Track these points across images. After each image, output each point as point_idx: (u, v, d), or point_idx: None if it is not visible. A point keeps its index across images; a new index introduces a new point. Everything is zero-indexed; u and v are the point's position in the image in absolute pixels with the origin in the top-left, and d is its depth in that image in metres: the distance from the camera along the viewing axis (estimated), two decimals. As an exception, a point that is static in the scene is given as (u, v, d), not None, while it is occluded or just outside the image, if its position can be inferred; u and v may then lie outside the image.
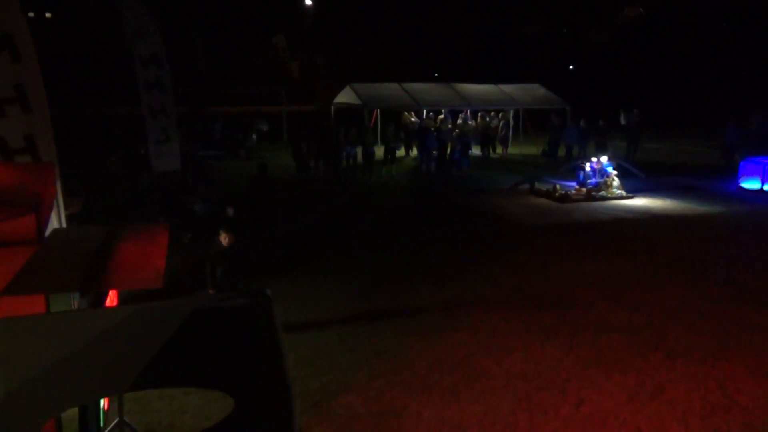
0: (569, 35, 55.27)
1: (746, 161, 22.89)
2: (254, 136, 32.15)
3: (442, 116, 31.69)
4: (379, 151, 26.47)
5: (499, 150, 32.04)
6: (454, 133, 27.87)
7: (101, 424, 5.22)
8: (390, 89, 32.50)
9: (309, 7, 48.99)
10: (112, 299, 6.26)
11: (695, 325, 9.75)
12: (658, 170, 25.70)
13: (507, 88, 34.44)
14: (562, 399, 7.54)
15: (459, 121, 31.02)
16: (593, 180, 20.81)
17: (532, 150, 31.67)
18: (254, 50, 48.19)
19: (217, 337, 3.29)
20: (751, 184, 22.24)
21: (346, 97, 32.63)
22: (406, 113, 31.46)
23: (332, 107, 33.81)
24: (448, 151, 26.82)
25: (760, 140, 28.18)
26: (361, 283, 11.79)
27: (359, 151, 24.57)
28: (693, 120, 43.74)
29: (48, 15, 46.03)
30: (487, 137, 31.28)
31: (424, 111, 32.10)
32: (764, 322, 9.87)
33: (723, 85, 46.46)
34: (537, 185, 21.39)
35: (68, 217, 8.68)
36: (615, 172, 20.99)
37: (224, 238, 8.89)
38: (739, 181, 22.59)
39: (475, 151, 30.89)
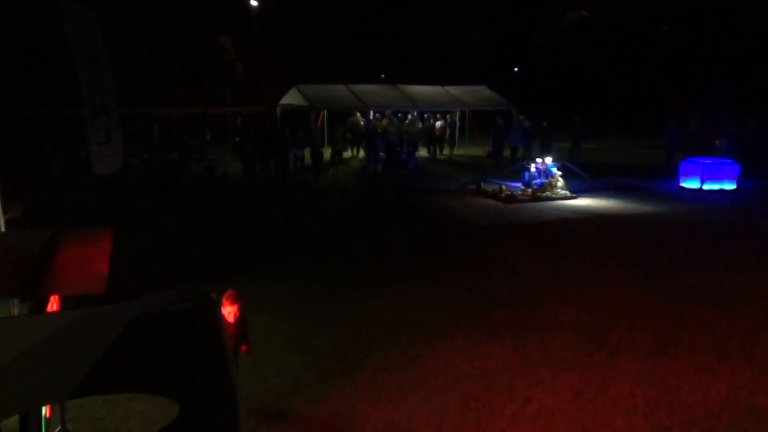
0: (514, 38, 55.89)
1: (686, 161, 23.45)
2: (208, 137, 31.89)
3: (386, 120, 31.74)
4: (326, 153, 26.41)
5: (445, 151, 32.24)
6: (406, 135, 27.98)
7: (43, 433, 5.11)
8: (337, 91, 32.45)
9: (254, 7, 48.63)
10: (53, 305, 6.13)
11: (638, 323, 9.93)
12: (601, 170, 26.13)
13: (453, 90, 34.67)
14: (509, 398, 7.62)
15: (406, 122, 31.14)
16: (538, 180, 21.08)
17: (478, 151, 31.91)
18: (199, 51, 47.66)
19: (162, 341, 3.24)
20: (690, 184, 22.79)
21: (292, 98, 32.48)
22: (358, 114, 31.47)
23: (279, 109, 33.62)
24: (395, 152, 26.91)
25: (699, 141, 28.86)
26: (308, 285, 11.74)
27: (307, 152, 24.50)
28: (635, 121, 44.58)
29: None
30: (433, 138, 31.45)
31: (371, 112, 32.12)
32: (704, 320, 10.10)
33: (664, 86, 47.47)
34: (483, 186, 21.58)
35: (7, 222, 8.47)
36: (559, 173, 21.29)
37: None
38: (680, 180, 23.11)
39: (422, 152, 31.06)
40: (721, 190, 22.37)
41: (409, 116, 32.07)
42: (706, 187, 22.50)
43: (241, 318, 6.92)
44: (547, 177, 21.11)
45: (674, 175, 23.61)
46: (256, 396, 7.56)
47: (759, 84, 40.72)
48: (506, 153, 29.84)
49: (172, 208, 15.81)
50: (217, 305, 3.31)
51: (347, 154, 30.06)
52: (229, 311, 6.79)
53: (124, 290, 10.08)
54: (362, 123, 31.09)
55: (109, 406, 7.30)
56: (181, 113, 34.27)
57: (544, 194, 20.54)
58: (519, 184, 21.59)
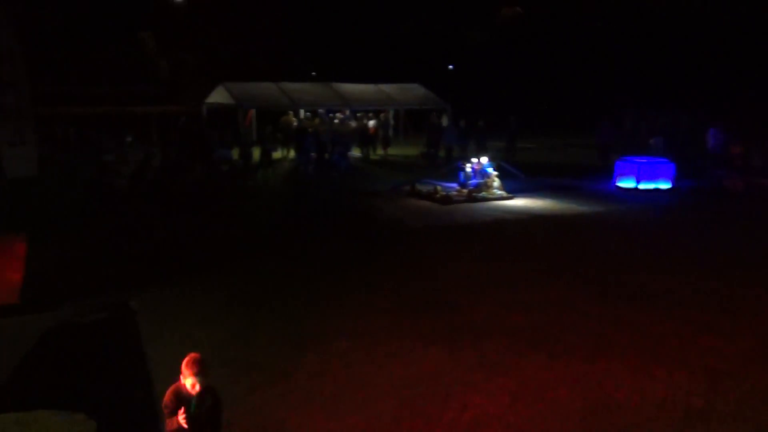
0: (448, 34, 56.37)
1: (621, 161, 24.00)
2: (129, 138, 31.28)
3: (318, 119, 31.69)
4: (255, 154, 26.22)
5: (379, 151, 32.34)
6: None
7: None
8: (265, 89, 32.28)
9: (178, 1, 47.94)
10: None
11: (575, 325, 10.10)
12: (537, 170, 26.55)
13: (386, 88, 34.84)
14: (446, 404, 7.65)
15: (336, 121, 31.12)
16: (474, 181, 21.28)
17: (412, 151, 32.10)
18: (119, 47, 46.74)
19: (77, 354, 3.16)
20: (626, 183, 23.34)
21: (219, 96, 32.17)
22: (290, 114, 31.33)
23: (204, 108, 33.24)
24: (327, 152, 26.86)
25: (634, 140, 29.59)
26: (236, 293, 11.62)
27: (235, 153, 24.28)
28: (571, 119, 45.38)
29: None
30: (366, 138, 31.52)
31: (301, 111, 32.02)
32: (641, 321, 10.32)
33: (598, 84, 48.45)
34: (417, 187, 21.70)
35: None
36: (495, 173, 21.54)
37: None
38: (615, 180, 23.65)
39: (355, 152, 31.08)
40: (657, 190, 22.97)
41: (341, 115, 32.07)
42: (642, 186, 23.07)
43: (211, 399, 5.04)
44: (483, 177, 21.34)
45: (610, 175, 24.14)
46: (182, 409, 7.43)
47: (691, 81, 41.89)
48: (441, 153, 30.09)
49: (93, 214, 15.50)
50: (136, 314, 3.25)
51: (277, 154, 29.89)
52: (192, 383, 4.90)
53: (40, 300, 9.84)
54: (295, 123, 31.00)
55: (23, 424, 7.08)
56: (99, 112, 33.60)
57: (480, 195, 20.76)
58: (454, 185, 21.78)
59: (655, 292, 11.79)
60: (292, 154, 29.78)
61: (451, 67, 59.20)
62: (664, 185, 23.27)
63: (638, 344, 9.39)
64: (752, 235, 16.37)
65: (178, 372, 4.73)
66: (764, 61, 37.64)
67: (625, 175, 23.66)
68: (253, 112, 33.16)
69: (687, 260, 14.01)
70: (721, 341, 9.52)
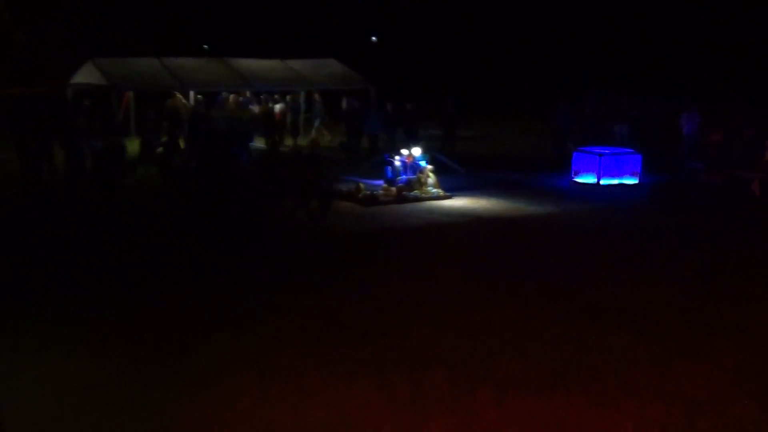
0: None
1: (580, 153, 24.36)
2: None
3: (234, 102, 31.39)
4: (134, 145, 25.77)
5: (288, 141, 32.15)
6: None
7: None
8: (146, 66, 31.78)
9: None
10: None
11: (529, 351, 10.16)
12: (481, 163, 26.80)
13: (296, 65, 34.72)
14: (374, 452, 7.61)
15: (231, 103, 30.86)
16: (403, 177, 21.27)
17: (328, 140, 32.00)
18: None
19: None
20: (585, 179, 23.70)
21: (87, 76, 31.53)
22: (177, 96, 30.88)
23: (70, 89, 32.54)
24: (224, 143, 26.58)
25: (595, 127, 30.04)
26: (113, 321, 11.38)
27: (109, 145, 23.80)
28: (520, 103, 45.84)
29: None
30: (272, 126, 31.30)
31: (191, 93, 31.63)
32: (606, 344, 10.44)
33: (554, 61, 49.07)
34: (336, 185, 21.59)
35: None
36: (430, 167, 21.59)
37: None
38: (573, 174, 24.00)
39: (258, 143, 30.82)
40: (621, 185, 23.39)
41: (240, 98, 31.82)
42: (603, 182, 23.46)
43: None
44: (414, 172, 21.37)
45: (566, 168, 24.48)
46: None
47: (662, 59, 42.90)
48: (364, 143, 30.08)
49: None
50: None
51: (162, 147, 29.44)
52: None
53: None
54: (184, 107, 30.59)
55: None
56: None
57: (412, 194, 20.78)
58: (380, 182, 21.74)
59: (623, 308, 11.96)
60: (181, 145, 29.38)
61: (374, 38, 59.27)
62: (630, 181, 23.72)
63: (605, 372, 9.49)
64: (734, 240, 16.78)
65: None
66: (744, 34, 38.79)
67: (584, 168, 24.03)
68: (130, 94, 32.60)
69: (660, 270, 14.29)
70: (701, 365, 9.71)
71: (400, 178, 21.29)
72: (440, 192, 21.15)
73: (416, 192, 20.88)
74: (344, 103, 32.63)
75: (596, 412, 8.43)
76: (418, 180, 21.22)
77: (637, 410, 8.47)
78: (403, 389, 8.96)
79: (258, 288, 12.94)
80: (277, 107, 32.26)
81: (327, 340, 10.52)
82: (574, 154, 24.59)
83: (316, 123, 33.23)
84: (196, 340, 10.46)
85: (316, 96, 33.60)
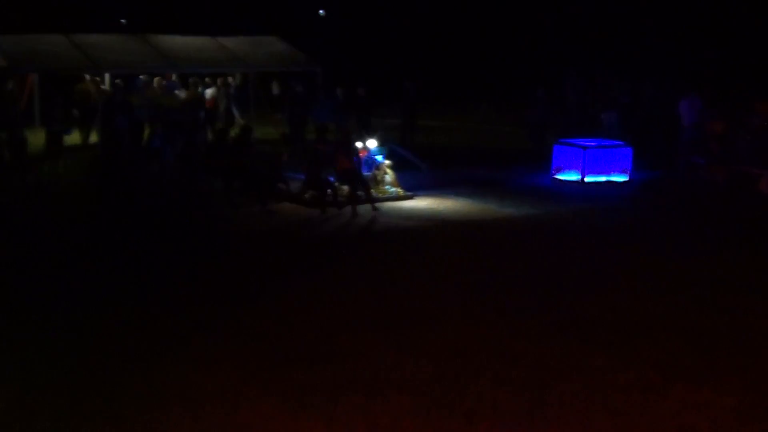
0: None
1: (561, 146, 24.49)
2: None
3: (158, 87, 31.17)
4: (39, 138, 25.56)
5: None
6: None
7: None
8: (53, 44, 31.44)
9: None
10: None
11: (503, 374, 10.18)
12: (446, 158, 26.86)
13: (230, 43, 34.56)
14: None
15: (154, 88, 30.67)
16: (357, 174, 21.28)
17: (270, 131, 31.91)
18: None
19: None
20: (568, 176, 23.84)
21: (-20, 55, 31.17)
22: (88, 79, 30.60)
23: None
24: (145, 135, 26.44)
25: (579, 115, 30.22)
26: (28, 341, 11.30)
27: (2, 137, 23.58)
28: (494, 88, 45.89)
29: None
30: (202, 114, 31.17)
31: (107, 76, 31.41)
32: (593, 366, 10.50)
33: (533, 41, 49.19)
34: (279, 184, 21.54)
35: None
36: (387, 163, 21.61)
37: None
38: (554, 171, 24.14)
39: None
40: (609, 183, 23.57)
41: (165, 81, 31.65)
42: (588, 179, 23.61)
43: None
44: (370, 168, 21.38)
45: (546, 164, 24.62)
46: None
47: (655, 38, 43.21)
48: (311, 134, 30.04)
49: None
50: None
51: (73, 138, 29.25)
52: None
53: None
54: (98, 92, 30.33)
55: None
56: None
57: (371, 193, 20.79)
58: (330, 179, 21.72)
59: (611, 325, 12.05)
60: (95, 138, 29.17)
61: (322, 12, 59.19)
62: (620, 178, 23.91)
63: (591, 399, 9.53)
64: (738, 246, 16.97)
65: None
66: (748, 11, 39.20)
67: (566, 164, 24.19)
68: (33, 77, 32.30)
69: (653, 282, 14.40)
70: (702, 391, 9.78)
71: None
72: (399, 191, 21.17)
73: (372, 191, 20.87)
74: (275, 88, 32.60)
75: (582, 446, 8.50)
76: (375, 177, 21.23)
77: (629, 443, 8.56)
78: (357, 421, 8.95)
79: (185, 305, 12.88)
80: (208, 92, 32.11)
81: (268, 364, 10.47)
82: (555, 147, 24.72)
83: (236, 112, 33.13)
84: (114, 368, 10.39)
85: (230, 79, 33.55)
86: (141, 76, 31.71)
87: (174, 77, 32.02)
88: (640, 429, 8.80)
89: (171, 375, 10.12)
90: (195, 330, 11.70)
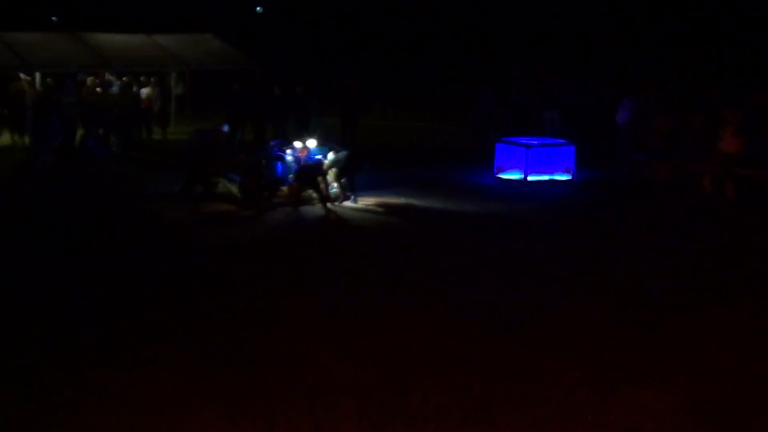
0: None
1: (504, 145, 24.67)
2: None
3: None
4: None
5: (156, 133, 31.84)
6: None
7: None
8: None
9: None
10: None
11: (448, 377, 10.22)
12: (389, 157, 26.85)
13: (165, 40, 34.39)
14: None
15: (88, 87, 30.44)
16: (297, 174, 21.23)
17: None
18: None
19: None
20: (511, 175, 24.02)
21: None
22: (23, 79, 30.31)
23: None
24: (78, 135, 26.24)
25: (522, 113, 30.44)
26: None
27: None
28: (437, 85, 45.99)
29: None
30: (137, 114, 30.98)
31: (37, 75, 31.11)
32: (541, 367, 10.58)
33: (477, 40, 49.26)
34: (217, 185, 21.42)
35: None
36: (328, 162, 21.61)
37: None
38: (496, 171, 24.29)
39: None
40: (552, 182, 23.76)
41: (98, 80, 31.43)
42: (531, 178, 23.80)
43: None
44: (311, 168, 21.36)
45: (489, 163, 24.76)
46: None
47: (599, 35, 43.55)
48: (249, 134, 29.92)
49: None
50: None
51: (4, 140, 28.99)
52: None
53: None
54: (30, 92, 30.05)
55: None
56: None
57: (307, 194, 20.71)
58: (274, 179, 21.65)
59: (556, 325, 12.12)
60: (27, 139, 28.92)
61: (259, 9, 58.96)
62: (562, 177, 24.10)
63: (537, 400, 9.60)
64: (680, 245, 17.17)
65: None
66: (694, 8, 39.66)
67: (509, 163, 24.35)
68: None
69: (596, 281, 14.52)
70: (647, 391, 9.90)
71: (292, 175, 21.22)
72: (341, 191, 21.16)
73: (312, 192, 20.87)
74: (180, 89, 32.45)
75: (528, 448, 8.56)
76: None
77: (577, 445, 8.64)
78: (301, 425, 8.95)
79: (119, 310, 12.77)
80: (143, 92, 31.92)
81: (207, 369, 10.41)
82: (498, 146, 24.86)
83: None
84: (49, 375, 10.29)
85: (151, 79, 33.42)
86: (78, 75, 31.45)
87: (107, 76, 31.76)
88: (586, 429, 8.90)
89: (110, 381, 10.03)
90: (135, 336, 11.62)
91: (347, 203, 20.55)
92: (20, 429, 8.81)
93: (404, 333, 11.78)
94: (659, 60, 38.73)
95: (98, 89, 31.20)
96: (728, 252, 16.88)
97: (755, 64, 33.75)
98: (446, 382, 10.10)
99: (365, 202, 20.81)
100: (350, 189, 20.81)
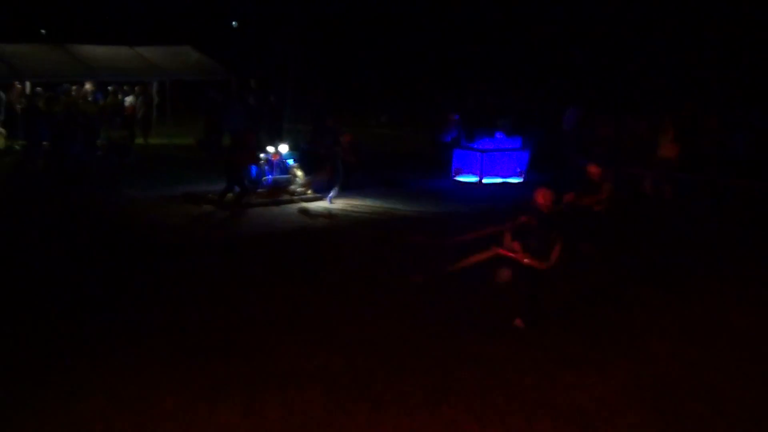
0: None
1: (461, 150, 24.85)
2: None
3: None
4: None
5: (138, 139, 31.74)
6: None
7: None
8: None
9: None
10: None
11: (408, 364, 10.36)
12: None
13: (146, 52, 34.29)
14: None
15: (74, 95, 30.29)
16: (270, 177, 21.26)
17: (185, 138, 31.70)
18: None
19: None
20: (467, 178, 24.20)
21: None
22: (17, 87, 30.12)
23: None
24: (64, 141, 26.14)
25: (479, 120, 30.58)
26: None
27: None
28: (400, 94, 45.99)
29: None
30: (121, 120, 30.89)
31: (27, 84, 30.96)
32: (487, 352, 10.76)
33: (436, 51, 49.27)
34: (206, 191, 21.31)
35: None
36: (297, 165, 21.69)
37: None
38: (454, 174, 24.47)
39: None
40: (505, 184, 23.95)
41: (83, 89, 31.31)
42: (486, 180, 23.99)
43: None
44: (282, 172, 21.41)
45: (447, 166, 24.93)
46: None
47: (548, 47, 43.70)
48: (225, 140, 29.89)
49: None
50: None
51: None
52: None
53: None
54: (22, 100, 29.92)
55: None
56: None
57: (281, 196, 20.77)
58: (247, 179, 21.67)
59: (504, 315, 12.25)
60: (20, 144, 28.76)
61: (234, 24, 58.78)
62: (514, 179, 24.31)
63: (489, 384, 9.77)
64: (621, 243, 17.35)
65: None
66: (635, 21, 39.87)
67: (465, 166, 24.52)
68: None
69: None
70: (590, 375, 10.11)
71: (265, 178, 21.27)
72: (310, 193, 21.23)
73: (284, 194, 20.96)
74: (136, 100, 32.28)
75: (480, 428, 8.69)
76: (287, 180, 21.29)
77: (524, 424, 8.77)
78: (272, 410, 9.03)
79: (97, 306, 12.70)
80: (128, 100, 31.81)
81: (184, 359, 10.43)
82: (455, 150, 25.04)
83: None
84: (33, 363, 10.28)
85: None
86: (65, 84, 31.30)
87: (87, 85, 31.59)
88: (535, 410, 9.06)
89: (91, 373, 10.00)
90: (114, 331, 11.58)
91: (323, 203, 20.62)
92: (7, 415, 8.84)
93: (366, 326, 11.89)
94: (605, 71, 38.91)
95: (89, 98, 31.09)
96: (666, 248, 17.15)
97: (692, 76, 34.01)
98: (407, 369, 10.23)
99: (334, 202, 20.85)
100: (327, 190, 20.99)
